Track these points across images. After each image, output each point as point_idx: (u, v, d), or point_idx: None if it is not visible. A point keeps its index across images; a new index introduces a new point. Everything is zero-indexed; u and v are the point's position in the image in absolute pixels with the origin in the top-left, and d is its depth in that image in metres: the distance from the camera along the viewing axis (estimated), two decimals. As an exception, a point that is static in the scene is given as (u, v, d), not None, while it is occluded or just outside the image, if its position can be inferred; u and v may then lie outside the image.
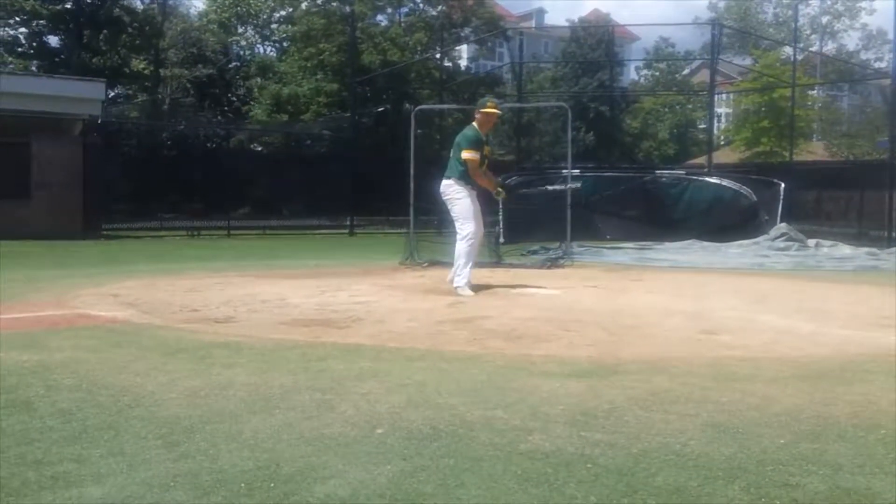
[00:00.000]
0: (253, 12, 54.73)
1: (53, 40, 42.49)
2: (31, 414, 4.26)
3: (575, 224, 14.94)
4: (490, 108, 9.96)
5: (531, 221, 20.65)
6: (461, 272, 9.78)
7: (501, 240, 18.50)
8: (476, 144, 9.90)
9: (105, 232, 23.22)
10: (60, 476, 3.37)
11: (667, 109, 60.63)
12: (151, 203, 26.81)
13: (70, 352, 5.87)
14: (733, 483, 3.37)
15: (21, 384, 4.89)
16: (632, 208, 22.98)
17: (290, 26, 50.39)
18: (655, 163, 49.40)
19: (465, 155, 9.81)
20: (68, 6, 40.70)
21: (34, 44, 41.86)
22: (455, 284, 9.77)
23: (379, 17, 49.96)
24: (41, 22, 40.78)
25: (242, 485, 3.28)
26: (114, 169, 25.92)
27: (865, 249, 18.43)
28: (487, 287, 10.23)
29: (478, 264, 10.70)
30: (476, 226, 9.93)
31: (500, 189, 10.52)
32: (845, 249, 18.57)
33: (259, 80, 48.88)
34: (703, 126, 50.03)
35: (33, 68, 39.70)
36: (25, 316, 7.69)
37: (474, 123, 10.09)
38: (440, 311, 8.19)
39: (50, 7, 39.71)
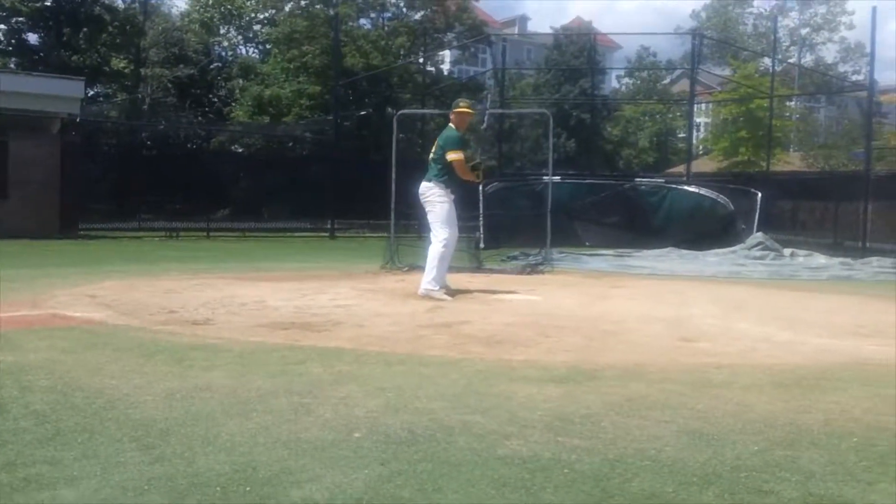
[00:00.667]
0: (236, 12, 54.56)
1: (33, 38, 42.24)
2: (3, 415, 4.23)
3: (555, 230, 14.97)
4: (462, 108, 10.09)
5: (511, 227, 20.67)
6: (429, 275, 9.74)
7: (481, 245, 18.53)
8: (460, 144, 9.99)
9: (83, 232, 23.08)
10: (33, 478, 3.35)
11: (647, 118, 60.87)
12: (130, 203, 26.67)
13: (45, 353, 5.83)
14: (708, 489, 3.39)
15: (-4, 384, 4.86)
16: (612, 215, 23.05)
17: (273, 28, 50.26)
18: (635, 171, 49.58)
19: (451, 156, 9.84)
20: (48, 3, 40.47)
21: (13, 41, 41.58)
22: (423, 287, 9.75)
23: (362, 21, 49.97)
24: (20, 19, 40.51)
25: (218, 488, 3.27)
26: (92, 168, 25.77)
27: (840, 259, 18.55)
28: (467, 292, 10.24)
29: (458, 269, 10.90)
30: (452, 231, 9.92)
31: (477, 168, 10.29)
32: (820, 259, 18.68)
33: (241, 81, 48.72)
34: (682, 135, 50.35)
35: (12, 66, 39.44)
36: (0, 316, 7.64)
37: (451, 125, 10.19)
38: (420, 315, 8.19)
39: (30, 4, 39.46)
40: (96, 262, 14.62)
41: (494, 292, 10.49)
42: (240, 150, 39.67)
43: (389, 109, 38.64)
